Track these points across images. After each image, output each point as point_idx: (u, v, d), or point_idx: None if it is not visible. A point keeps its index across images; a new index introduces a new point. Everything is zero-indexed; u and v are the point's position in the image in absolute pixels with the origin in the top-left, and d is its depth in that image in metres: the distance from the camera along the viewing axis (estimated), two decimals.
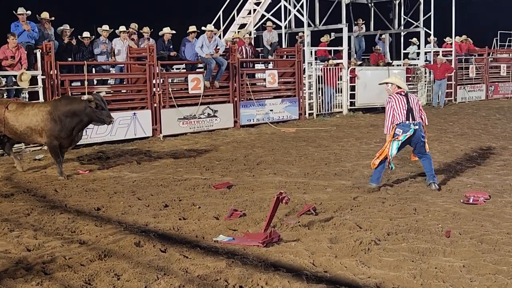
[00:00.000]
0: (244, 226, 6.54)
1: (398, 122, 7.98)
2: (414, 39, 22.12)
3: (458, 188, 8.21)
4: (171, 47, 15.27)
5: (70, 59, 13.48)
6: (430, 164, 8.32)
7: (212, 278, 4.88)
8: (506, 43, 29.30)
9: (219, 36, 18.06)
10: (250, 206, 7.43)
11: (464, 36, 23.24)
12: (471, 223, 6.53)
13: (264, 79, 16.75)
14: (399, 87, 8.20)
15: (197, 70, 15.75)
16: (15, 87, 12.02)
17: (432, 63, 21.97)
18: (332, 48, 19.96)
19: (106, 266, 5.20)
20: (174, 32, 15.25)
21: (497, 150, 11.47)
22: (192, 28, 15.22)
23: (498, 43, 29.17)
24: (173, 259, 5.38)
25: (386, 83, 8.35)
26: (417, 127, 8.00)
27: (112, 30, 14.34)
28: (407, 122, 7.96)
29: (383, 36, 21.55)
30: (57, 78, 12.44)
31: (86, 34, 13.89)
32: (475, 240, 5.85)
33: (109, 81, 14.81)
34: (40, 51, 12.33)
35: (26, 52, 12.14)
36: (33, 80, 12.21)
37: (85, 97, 9.43)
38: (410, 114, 7.99)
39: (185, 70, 15.92)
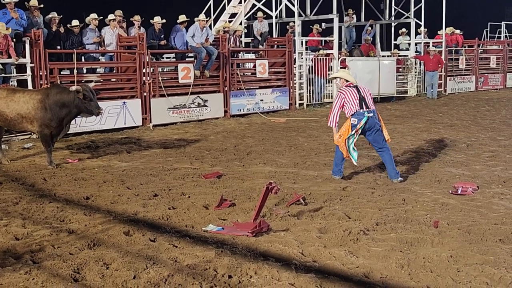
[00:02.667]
0: (234, 215, 6.56)
1: (353, 112, 8.07)
2: (403, 30, 22.13)
3: (446, 179, 8.26)
4: (162, 36, 15.18)
5: (59, 47, 13.37)
6: (390, 157, 8.25)
7: (201, 267, 4.89)
8: (496, 35, 29.41)
9: (210, 26, 17.98)
10: (239, 196, 7.45)
11: (451, 28, 23.26)
12: (459, 213, 6.57)
13: (255, 69, 16.72)
14: (347, 81, 8.32)
15: (187, 59, 15.69)
16: (3, 74, 11.92)
17: (422, 54, 22.00)
18: (323, 38, 19.93)
19: (95, 255, 5.19)
20: (164, 21, 15.16)
21: (486, 141, 11.54)
22: (182, 17, 15.14)
23: (488, 35, 29.29)
24: (162, 249, 5.38)
25: (335, 77, 8.54)
26: (371, 114, 8.07)
27: (101, 18, 14.23)
28: (361, 110, 8.05)
29: (369, 28, 21.53)
30: (46, 67, 12.34)
31: (75, 22, 13.77)
32: (463, 230, 5.90)
33: (98, 70, 14.72)
34: (29, 39, 12.22)
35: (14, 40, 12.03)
36: (22, 68, 12.11)
37: (74, 87, 9.35)
38: (363, 103, 8.08)
39: (175, 59, 15.86)
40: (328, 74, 17.47)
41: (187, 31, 14.95)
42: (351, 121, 8.07)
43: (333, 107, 8.30)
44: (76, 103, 9.28)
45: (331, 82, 18.49)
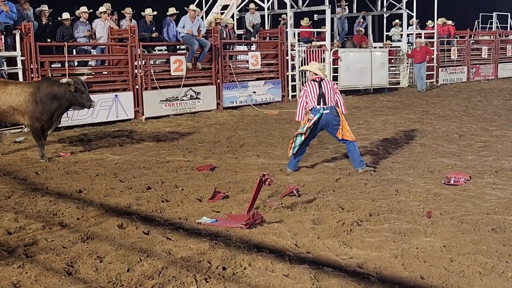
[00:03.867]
0: (227, 208, 6.56)
1: (311, 108, 8.13)
2: (396, 21, 22.13)
3: (439, 170, 8.29)
4: (153, 28, 15.12)
5: (49, 40, 13.28)
6: (355, 149, 8.24)
7: (195, 259, 4.89)
8: (488, 25, 29.46)
9: (202, 18, 17.91)
10: (233, 188, 7.44)
11: (443, 19, 23.28)
12: (452, 203, 6.60)
13: (247, 61, 16.69)
14: (315, 74, 8.32)
15: (179, 51, 15.63)
16: None
17: (414, 45, 22.02)
18: (315, 30, 19.91)
19: (89, 249, 5.18)
20: (155, 13, 15.09)
21: (478, 131, 11.58)
22: (172, 10, 15.06)
23: (480, 26, 29.33)
24: (156, 241, 5.38)
25: (305, 70, 8.49)
26: (327, 111, 8.06)
27: (91, 11, 14.14)
28: (318, 107, 8.07)
29: (361, 20, 21.52)
30: (37, 60, 12.26)
31: (65, 15, 13.68)
32: (456, 220, 5.92)
33: (90, 63, 14.64)
34: (19, 32, 12.13)
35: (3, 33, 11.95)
36: (13, 61, 12.03)
37: (64, 80, 9.29)
38: (322, 99, 8.09)
39: (167, 52, 15.80)
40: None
41: (176, 24, 14.89)
42: (309, 116, 8.13)
43: (298, 102, 8.35)
44: (67, 96, 9.22)
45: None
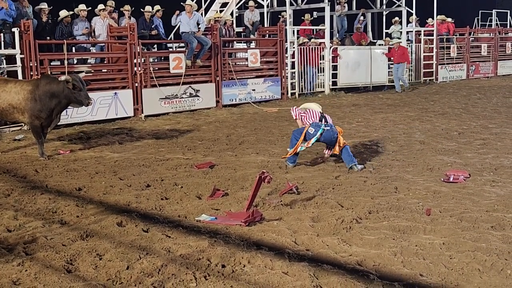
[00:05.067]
0: (227, 205, 6.56)
1: (312, 122, 8.39)
2: (396, 18, 22.11)
3: (438, 167, 8.29)
4: (152, 26, 15.11)
5: (49, 38, 13.27)
6: (347, 152, 8.41)
7: (194, 257, 4.90)
8: (487, 23, 29.45)
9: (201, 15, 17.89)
10: (232, 185, 7.44)
11: (442, 16, 23.27)
12: (451, 201, 6.60)
13: (246, 59, 16.67)
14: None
15: (178, 49, 15.62)
16: None
17: (414, 42, 22.03)
18: (314, 27, 19.90)
19: (88, 246, 5.18)
20: (153, 10, 15.09)
21: (477, 129, 11.58)
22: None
23: (479, 23, 29.32)
24: (155, 239, 5.38)
25: (305, 109, 8.74)
26: (328, 128, 8.34)
27: (90, 8, 14.13)
28: (320, 122, 8.37)
29: (361, 18, 21.51)
30: (36, 57, 12.25)
31: (64, 13, 13.66)
32: (455, 218, 5.93)
33: (89, 60, 14.63)
34: (18, 29, 12.12)
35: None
36: (12, 59, 12.02)
37: (63, 77, 9.28)
38: (323, 119, 8.46)
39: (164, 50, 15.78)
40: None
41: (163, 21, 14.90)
42: (308, 129, 8.33)
43: (299, 119, 8.59)
44: (65, 93, 9.20)
45: (323, 71, 18.51)
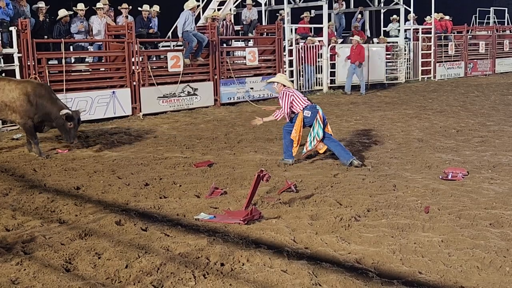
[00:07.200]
0: (225, 204, 6.55)
1: (303, 106, 8.33)
2: (394, 16, 22.12)
3: (437, 165, 8.30)
4: (150, 24, 15.08)
5: (46, 37, 13.24)
6: (338, 144, 8.43)
7: (193, 255, 4.89)
8: (485, 21, 29.47)
9: (199, 13, 17.89)
10: (231, 184, 7.44)
11: (440, 14, 23.28)
12: (450, 199, 6.61)
13: (244, 57, 16.67)
14: (284, 85, 8.55)
15: (176, 47, 15.60)
16: None
17: (411, 40, 22.03)
18: (312, 26, 19.88)
19: (87, 245, 5.17)
20: (151, 9, 15.06)
21: (475, 126, 11.59)
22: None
23: (477, 21, 29.34)
24: (154, 238, 5.38)
25: (272, 82, 8.72)
26: (320, 109, 8.38)
27: (88, 7, 14.11)
28: (312, 104, 8.38)
29: (359, 16, 21.51)
30: (34, 56, 12.23)
31: (63, 13, 13.63)
32: (454, 215, 5.93)
33: (87, 59, 14.60)
34: (16, 28, 12.10)
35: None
36: (9, 59, 12.00)
37: (64, 112, 9.24)
38: (308, 100, 8.47)
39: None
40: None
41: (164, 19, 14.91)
42: (303, 114, 8.30)
43: (283, 104, 8.42)
44: (58, 122, 9.30)
45: (321, 71, 18.48)
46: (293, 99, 8.37)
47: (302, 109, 8.31)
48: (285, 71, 17.50)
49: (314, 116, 8.27)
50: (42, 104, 9.26)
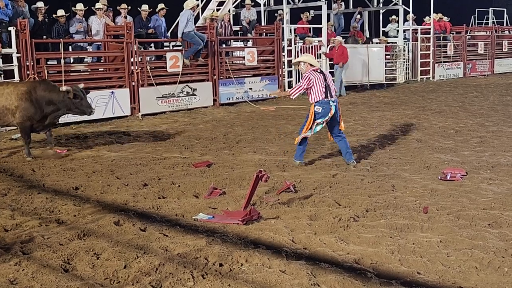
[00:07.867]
0: (224, 204, 6.55)
1: (318, 100, 8.13)
2: (393, 17, 22.12)
3: (435, 165, 8.30)
4: (149, 24, 15.08)
5: (45, 37, 13.24)
6: (346, 144, 8.40)
7: (192, 256, 4.89)
8: (484, 21, 29.47)
9: (198, 13, 17.89)
10: (229, 184, 7.44)
11: (439, 14, 23.29)
12: (448, 199, 6.61)
13: (243, 57, 16.67)
14: (311, 65, 8.33)
15: (175, 48, 15.59)
16: None
17: (410, 40, 22.04)
18: (311, 26, 19.88)
19: (85, 245, 5.17)
20: (152, 10, 15.06)
21: (474, 127, 11.60)
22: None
23: (476, 21, 29.35)
24: (152, 238, 5.37)
25: (299, 62, 8.50)
26: (335, 103, 8.19)
27: (87, 7, 14.10)
28: (326, 99, 8.11)
29: (358, 16, 21.52)
30: (32, 57, 12.22)
31: (61, 13, 13.64)
32: (452, 216, 5.93)
33: (86, 59, 14.60)
34: (15, 28, 12.09)
35: None
36: (8, 59, 11.99)
37: (64, 88, 9.24)
38: (328, 92, 8.15)
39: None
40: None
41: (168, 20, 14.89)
42: (314, 108, 8.14)
43: (301, 84, 8.29)
44: (65, 103, 9.20)
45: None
46: (312, 85, 8.13)
47: (314, 102, 8.15)
48: (285, 72, 17.50)
49: (326, 112, 8.09)
50: (41, 96, 9.17)
